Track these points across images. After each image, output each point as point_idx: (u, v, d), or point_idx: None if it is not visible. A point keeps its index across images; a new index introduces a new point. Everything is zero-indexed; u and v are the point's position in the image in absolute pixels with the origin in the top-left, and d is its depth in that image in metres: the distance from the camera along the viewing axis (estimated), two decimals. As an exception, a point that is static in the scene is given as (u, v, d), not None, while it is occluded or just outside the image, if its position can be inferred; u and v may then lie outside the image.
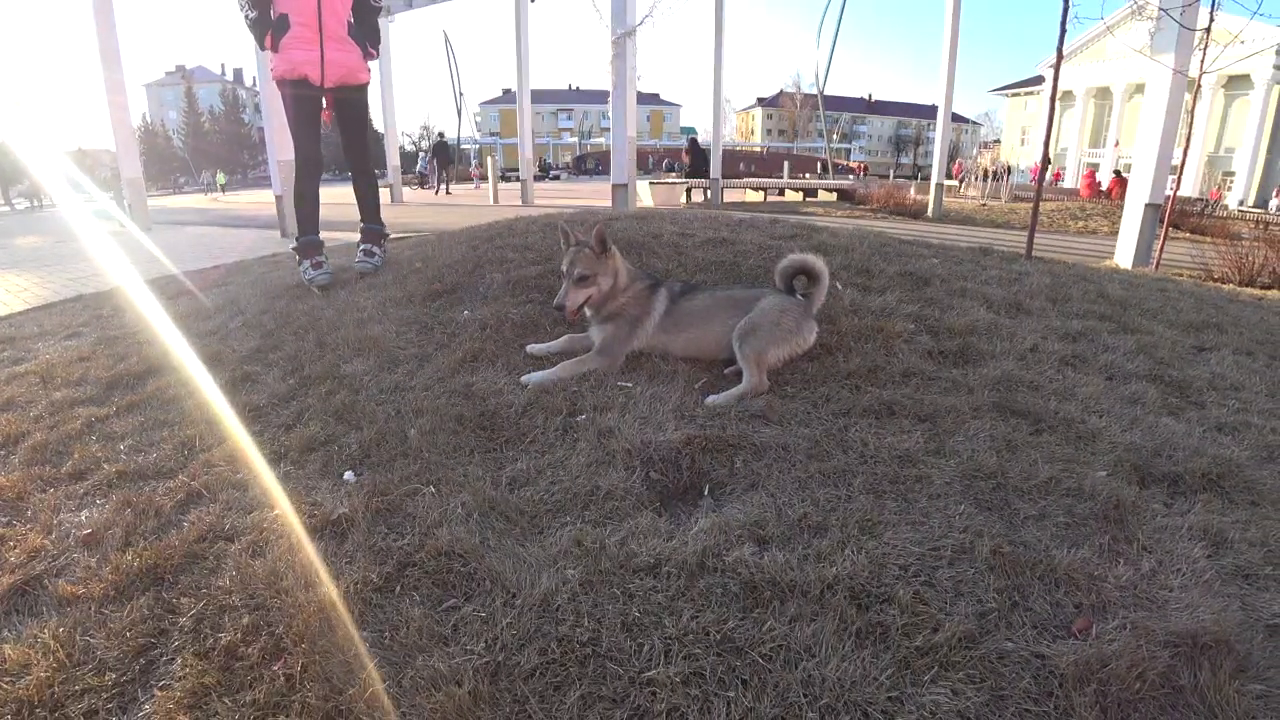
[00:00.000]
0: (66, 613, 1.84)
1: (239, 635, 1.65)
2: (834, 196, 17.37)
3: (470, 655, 1.48)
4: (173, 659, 1.64)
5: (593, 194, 21.56)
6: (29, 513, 2.38)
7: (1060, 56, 6.58)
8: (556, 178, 40.59)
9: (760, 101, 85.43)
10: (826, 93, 25.56)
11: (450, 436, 2.35)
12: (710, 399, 2.56)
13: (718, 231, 4.30)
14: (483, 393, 2.61)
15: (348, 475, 2.23)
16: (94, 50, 13.21)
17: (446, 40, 30.51)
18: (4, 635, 1.80)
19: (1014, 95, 55.86)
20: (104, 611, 1.83)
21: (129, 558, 2.01)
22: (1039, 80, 47.94)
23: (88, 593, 1.91)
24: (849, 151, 64.83)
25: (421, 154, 31.77)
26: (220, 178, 41.22)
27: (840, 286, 3.47)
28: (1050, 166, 27.67)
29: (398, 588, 1.71)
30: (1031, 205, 6.95)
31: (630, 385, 2.61)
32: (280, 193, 10.93)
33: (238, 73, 71.41)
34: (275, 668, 1.54)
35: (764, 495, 2.00)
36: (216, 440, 2.66)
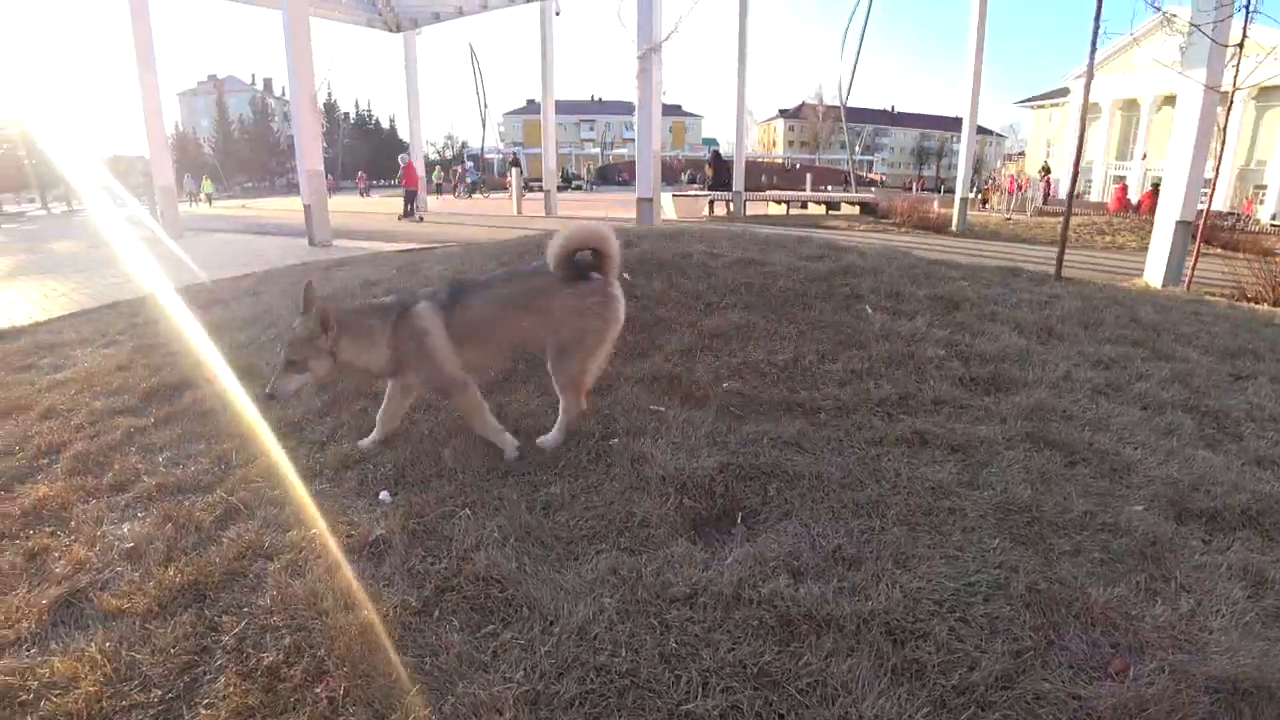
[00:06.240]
0: (111, 627, 1.88)
1: (281, 656, 1.67)
2: (857, 210, 17.33)
3: (510, 683, 1.50)
4: (216, 677, 1.67)
5: (615, 204, 21.63)
6: (72, 524, 2.42)
7: (1091, 75, 6.53)
8: (579, 188, 40.64)
9: (782, 113, 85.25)
10: (849, 104, 25.47)
11: (483, 458, 2.39)
12: (540, 440, 2.46)
13: (746, 251, 4.32)
14: (515, 414, 2.64)
15: (383, 495, 2.27)
16: (130, 57, 13.55)
17: (472, 53, 30.91)
18: (52, 648, 1.83)
19: (1039, 107, 55.33)
20: (148, 627, 1.86)
21: (171, 573, 2.04)
22: (1064, 92, 47.41)
23: (131, 607, 1.94)
24: (871, 164, 64.37)
25: (439, 166, 32.29)
26: (206, 185, 37.41)
27: (870, 310, 3.47)
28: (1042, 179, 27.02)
29: (436, 612, 1.74)
30: (1055, 219, 6.86)
31: (663, 409, 2.63)
32: (309, 202, 11.10)
33: (267, 82, 72.68)
34: (318, 690, 1.57)
35: (797, 525, 2.01)
36: (252, 455, 2.71)
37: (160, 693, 1.65)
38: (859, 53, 23.30)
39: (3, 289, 8.32)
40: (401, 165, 18.62)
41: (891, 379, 2.89)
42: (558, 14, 18.46)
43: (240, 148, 64.13)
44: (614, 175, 48.12)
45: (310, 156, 11.31)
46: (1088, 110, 7.19)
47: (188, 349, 4.16)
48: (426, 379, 2.49)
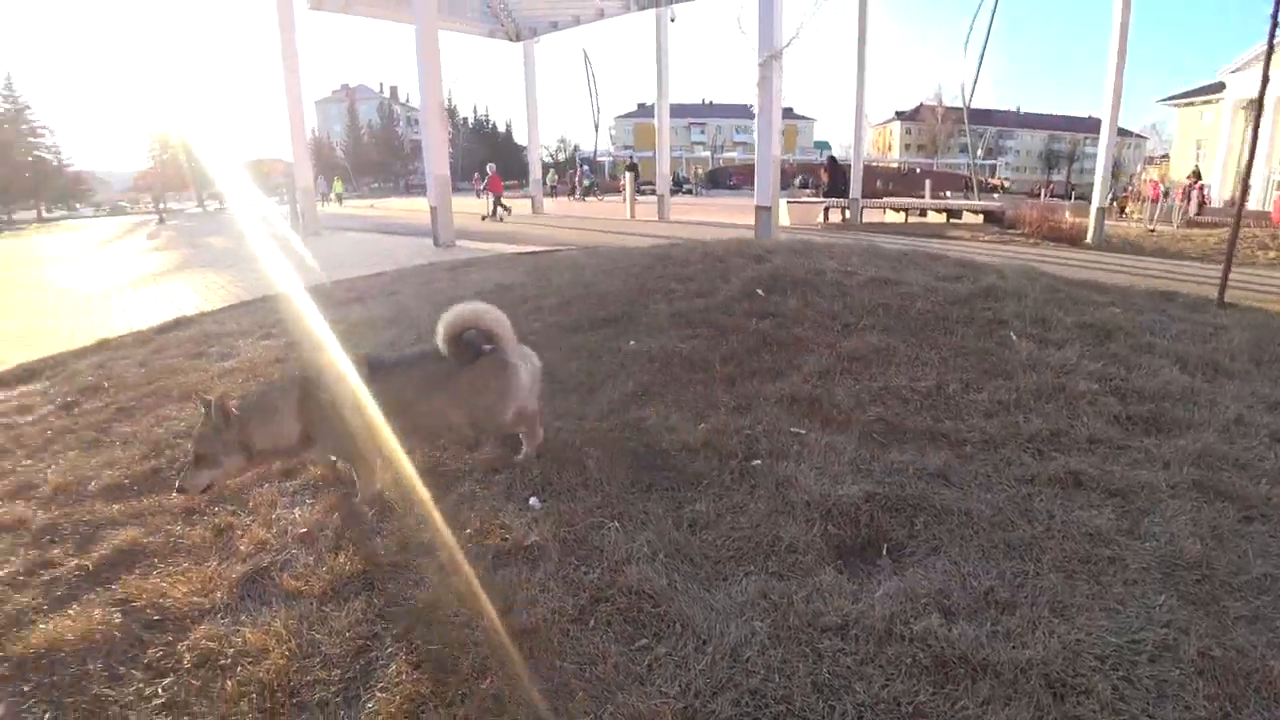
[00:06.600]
0: (293, 606, 2.05)
1: (447, 650, 1.79)
2: (980, 218, 16.48)
3: (666, 698, 1.55)
4: (388, 663, 1.80)
5: (728, 209, 21.50)
6: (250, 505, 2.65)
7: (1267, 78, 5.94)
8: (689, 191, 40.52)
9: (898, 115, 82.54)
10: (971, 105, 24.21)
11: (627, 471, 2.47)
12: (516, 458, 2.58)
13: (879, 269, 4.24)
14: (655, 428, 2.72)
15: (532, 501, 2.38)
16: (278, 69, 14.74)
17: (586, 59, 31.56)
18: (242, 619, 2.02)
19: (1187, 105, 50.82)
20: (324, 609, 2.03)
21: (341, 560, 2.22)
22: (1218, 88, 43.24)
23: (309, 589, 2.12)
24: (994, 168, 61.04)
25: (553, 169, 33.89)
26: (337, 185, 39.57)
27: (1014, 337, 3.34)
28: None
29: (591, 621, 1.82)
30: (1205, 231, 6.29)
31: (803, 432, 2.63)
32: (435, 204, 11.66)
33: (393, 90, 77.58)
34: (484, 685, 1.68)
35: (947, 562, 1.98)
36: (406, 452, 2.87)
37: (340, 672, 1.79)
38: (984, 51, 22.20)
39: (172, 280, 9.24)
40: (489, 174, 20.09)
41: (1041, 413, 2.78)
42: (672, 20, 18.58)
43: (368, 151, 68.62)
44: (724, 179, 47.74)
45: (437, 161, 11.88)
46: (1243, 106, 6.57)
47: (335, 346, 4.47)
48: (334, 449, 2.52)
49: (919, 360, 3.25)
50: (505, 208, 18.93)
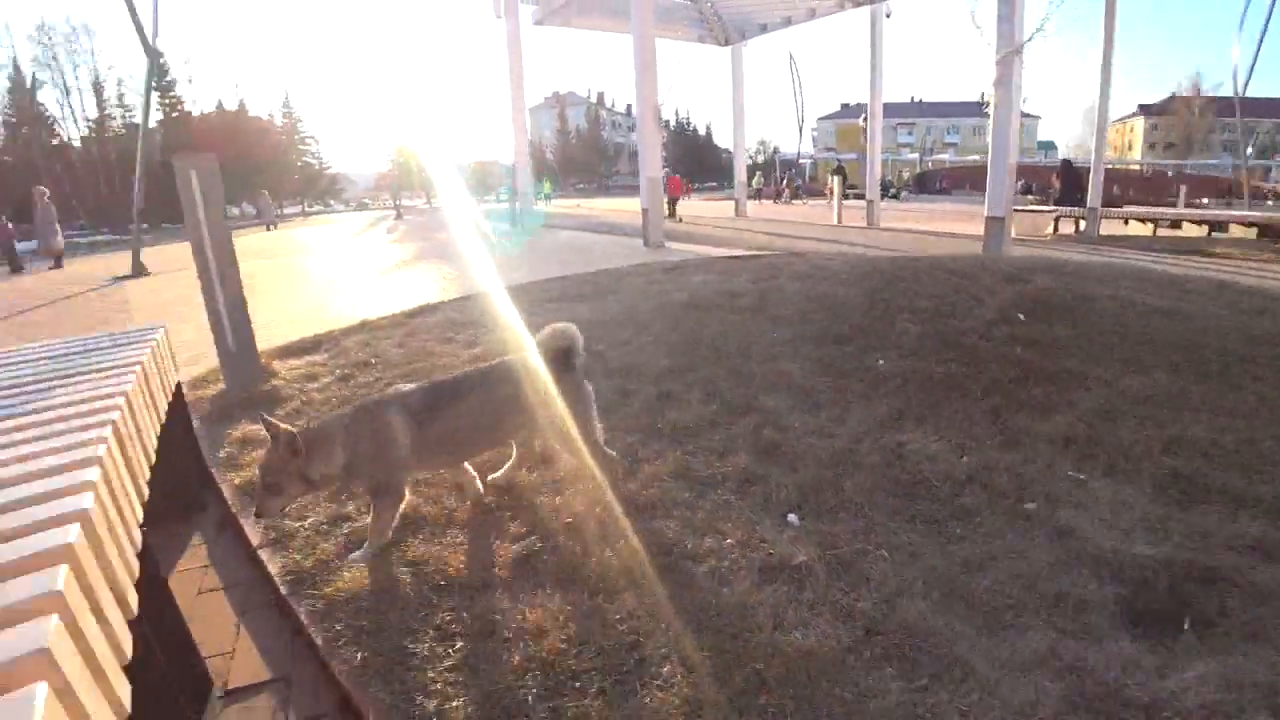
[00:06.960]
0: (565, 592, 2.17)
1: (721, 660, 1.83)
2: (1253, 233, 14.05)
3: (955, 747, 1.51)
4: (661, 663, 1.86)
5: (942, 217, 20.14)
6: (515, 490, 2.84)
7: None
8: (894, 196, 38.47)
9: (1142, 109, 72.98)
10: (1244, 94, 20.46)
11: (887, 498, 2.42)
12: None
13: (1152, 296, 3.80)
14: (915, 456, 2.64)
15: (791, 518, 2.40)
16: (503, 81, 16.09)
17: (792, 61, 31.08)
18: (520, 598, 2.15)
19: None
20: (594, 600, 2.13)
21: (607, 554, 2.32)
22: None
23: (578, 578, 2.24)
24: (1268, 170, 51.78)
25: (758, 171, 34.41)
26: (546, 186, 41.74)
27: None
28: None
29: (867, 653, 1.80)
30: None
31: (1083, 477, 2.43)
32: (647, 205, 12.08)
33: (600, 95, 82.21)
34: (761, 700, 1.72)
35: (1273, 653, 1.74)
36: (655, 452, 2.96)
37: (614, 663, 1.87)
38: (1266, 28, 18.77)
39: (413, 270, 10.34)
40: (665, 177, 20.75)
41: (1389, 483, 2.35)
42: (888, 16, 17.84)
43: (575, 153, 73.13)
44: (933, 183, 44.75)
45: (650, 164, 12.29)
46: None
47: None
48: (368, 480, 2.50)
49: (1219, 408, 2.88)
50: (674, 212, 20.07)
